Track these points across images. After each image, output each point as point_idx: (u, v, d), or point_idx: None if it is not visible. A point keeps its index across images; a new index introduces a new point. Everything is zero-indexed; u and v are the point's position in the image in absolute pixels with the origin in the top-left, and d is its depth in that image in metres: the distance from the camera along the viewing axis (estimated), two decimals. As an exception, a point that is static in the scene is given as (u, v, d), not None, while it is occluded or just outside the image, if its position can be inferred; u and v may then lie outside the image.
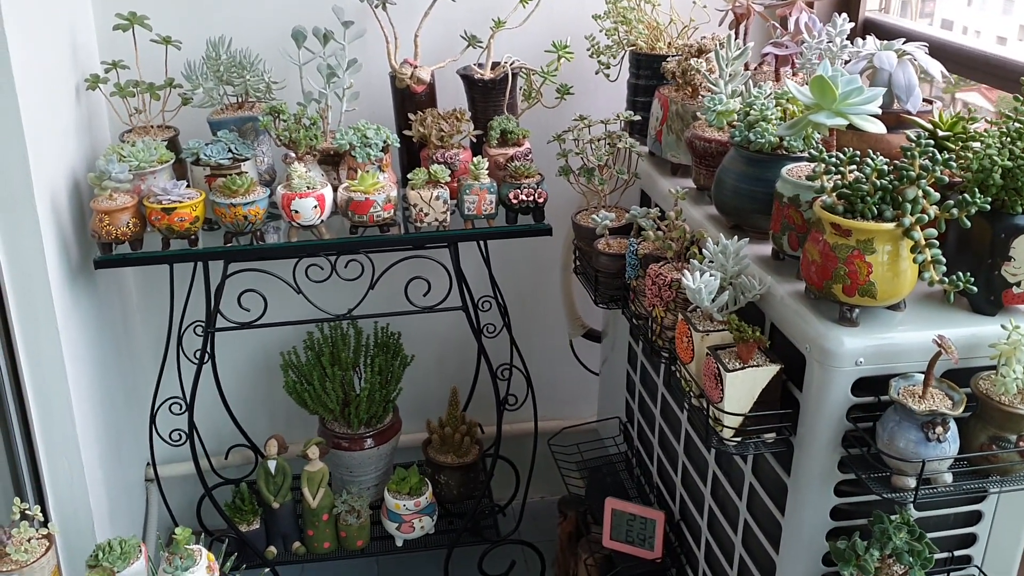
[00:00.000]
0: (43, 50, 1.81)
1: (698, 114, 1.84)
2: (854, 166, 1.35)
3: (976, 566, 1.51)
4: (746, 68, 2.02)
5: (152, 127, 2.07)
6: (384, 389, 2.24)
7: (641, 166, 2.04)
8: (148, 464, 2.43)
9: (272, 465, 2.16)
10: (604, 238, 1.92)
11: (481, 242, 2.10)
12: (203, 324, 2.02)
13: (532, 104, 2.15)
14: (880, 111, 1.48)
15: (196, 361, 2.02)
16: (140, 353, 2.39)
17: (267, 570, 2.00)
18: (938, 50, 1.76)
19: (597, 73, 2.17)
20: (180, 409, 2.08)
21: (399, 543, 2.23)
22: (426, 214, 1.92)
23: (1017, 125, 1.35)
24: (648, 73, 2.09)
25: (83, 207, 1.98)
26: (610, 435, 2.35)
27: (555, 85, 2.11)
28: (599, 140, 1.97)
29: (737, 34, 2.06)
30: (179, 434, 2.10)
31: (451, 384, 2.42)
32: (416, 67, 2.07)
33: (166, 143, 1.98)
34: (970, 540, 1.50)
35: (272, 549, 2.19)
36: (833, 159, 1.35)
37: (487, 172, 1.94)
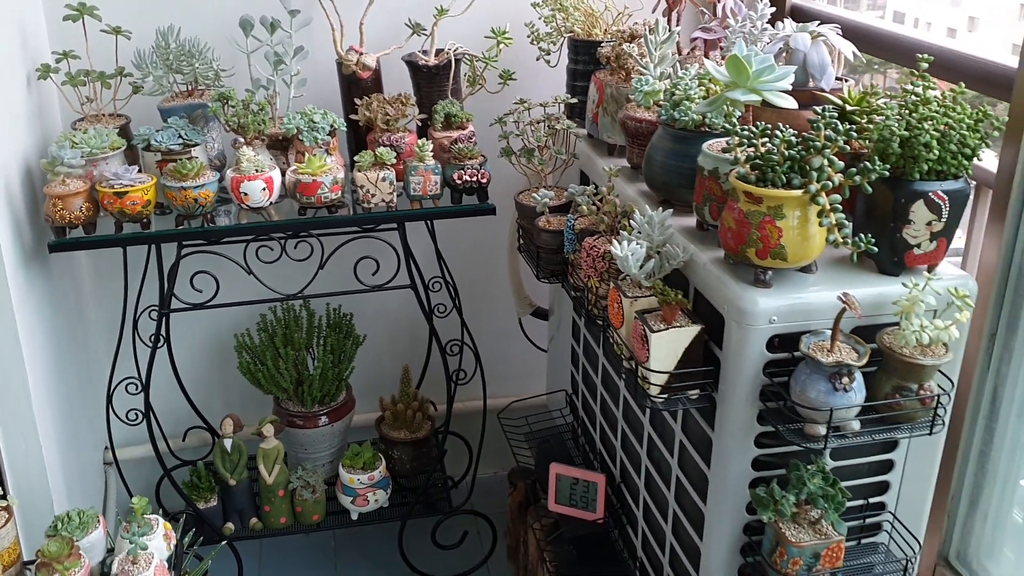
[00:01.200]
0: (-7, 39, 1.85)
1: (630, 96, 1.93)
2: (766, 139, 1.44)
3: (890, 512, 1.62)
4: (679, 53, 2.12)
5: (104, 115, 2.11)
6: (336, 368, 2.31)
7: (580, 147, 2.13)
8: (106, 448, 2.48)
9: (228, 444, 2.22)
10: (545, 216, 2.01)
11: (428, 222, 2.18)
12: (157, 308, 2.08)
13: (476, 90, 2.23)
14: (791, 88, 1.58)
15: (151, 344, 2.08)
16: (95, 338, 2.43)
17: (224, 543, 2.06)
18: (852, 32, 1.87)
19: (538, 59, 2.25)
20: (136, 389, 2.13)
21: (354, 516, 2.30)
22: (373, 195, 1.99)
23: (914, 98, 1.46)
24: (586, 59, 2.18)
25: (36, 194, 2.02)
26: (557, 407, 2.44)
27: (498, 71, 2.19)
28: (538, 122, 2.06)
29: (670, 21, 2.16)
30: (136, 413, 2.14)
31: (403, 363, 2.49)
32: (362, 54, 2.13)
33: (118, 131, 2.03)
34: (884, 487, 1.61)
35: (229, 525, 2.25)
36: (746, 132, 1.45)
37: (432, 154, 2.02)
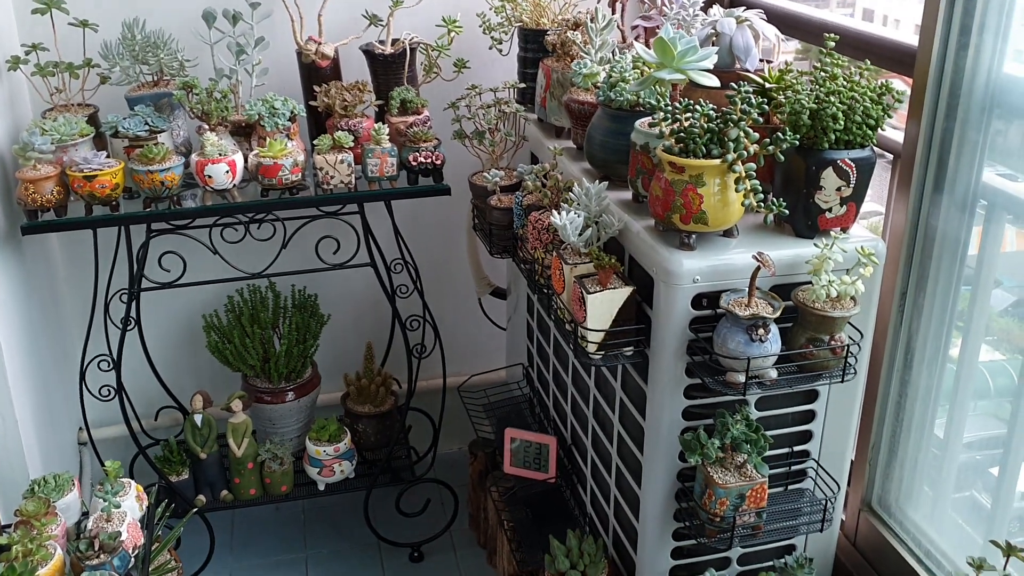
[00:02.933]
0: (-36, 31, 1.94)
1: (574, 80, 2.05)
2: (688, 113, 1.57)
3: (814, 459, 1.76)
4: (623, 41, 2.24)
5: (72, 105, 2.20)
6: (302, 345, 2.41)
7: (530, 131, 2.25)
8: (81, 428, 2.57)
9: (198, 419, 2.32)
10: (496, 195, 2.13)
11: (387, 203, 2.28)
12: (128, 291, 2.17)
13: (432, 78, 2.34)
14: (719, 69, 1.71)
15: (122, 326, 2.17)
16: (68, 322, 2.52)
17: (195, 511, 2.15)
18: (775, 16, 2.00)
19: (491, 48, 2.37)
20: (108, 367, 2.22)
21: (321, 487, 2.40)
22: (332, 177, 2.10)
23: (822, 74, 1.59)
24: (535, 47, 2.30)
25: (8, 180, 2.11)
26: (515, 381, 2.56)
27: (452, 59, 2.31)
28: (489, 107, 2.17)
29: (614, 10, 2.28)
30: (108, 390, 2.23)
31: (366, 342, 2.60)
32: (320, 44, 2.24)
33: (86, 119, 2.12)
34: (807, 437, 1.74)
35: (201, 497, 2.34)
36: (670, 108, 1.57)
37: (388, 137, 2.12)
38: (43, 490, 1.72)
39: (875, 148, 1.59)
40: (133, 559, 1.66)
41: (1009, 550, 1.29)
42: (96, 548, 1.59)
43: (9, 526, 1.68)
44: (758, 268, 1.50)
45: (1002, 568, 1.29)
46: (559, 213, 1.70)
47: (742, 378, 1.51)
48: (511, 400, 2.50)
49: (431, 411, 2.64)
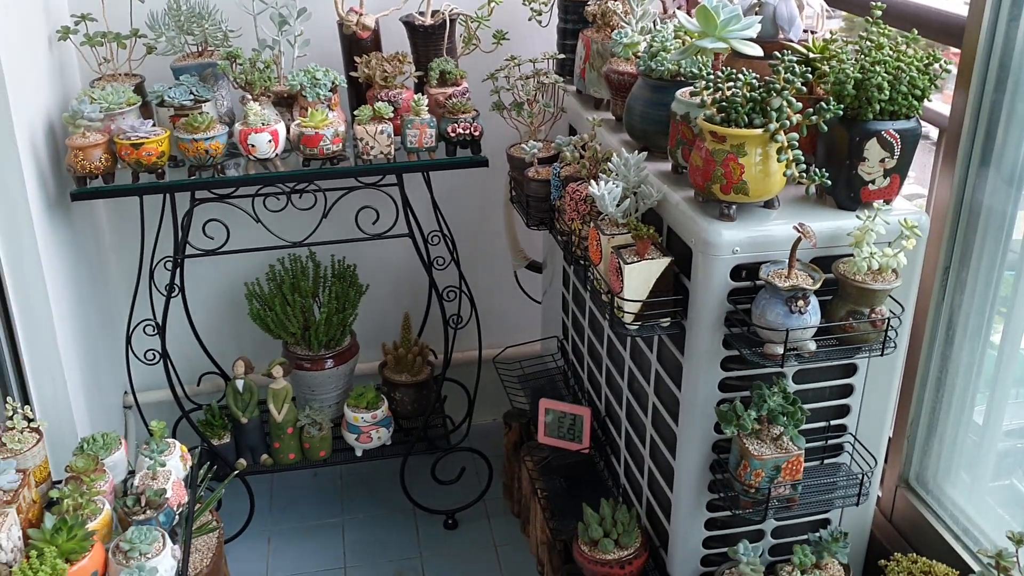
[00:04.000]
0: (17, 4, 1.98)
1: (614, 51, 2.04)
2: (731, 83, 1.56)
3: (851, 434, 1.75)
4: (664, 11, 2.22)
5: (119, 75, 2.24)
6: (341, 314, 2.44)
7: (568, 102, 2.25)
8: (125, 392, 2.63)
9: (240, 384, 2.36)
10: (534, 166, 2.13)
11: (425, 174, 2.30)
12: (172, 258, 2.22)
13: (471, 50, 2.35)
14: (762, 39, 1.69)
15: (166, 293, 2.21)
16: (113, 289, 2.58)
17: (236, 473, 2.20)
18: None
19: (530, 20, 2.36)
20: (153, 331, 2.27)
21: (358, 453, 2.44)
22: (372, 147, 2.11)
23: (868, 44, 1.57)
24: (575, 18, 2.29)
25: (57, 148, 2.15)
26: (549, 353, 2.57)
27: (491, 31, 2.31)
28: (528, 78, 2.17)
29: (657, -19, 2.26)
30: (153, 353, 2.29)
31: (404, 312, 2.63)
32: (361, 15, 2.25)
33: (133, 89, 2.16)
34: (845, 411, 1.73)
35: (242, 461, 2.40)
36: (712, 77, 1.56)
37: (427, 109, 2.14)
38: (92, 448, 1.77)
39: (920, 119, 1.57)
40: (177, 516, 1.71)
41: (1049, 525, 1.28)
42: (143, 504, 1.63)
43: (60, 482, 1.73)
44: (799, 239, 1.49)
45: (1041, 543, 1.28)
46: (597, 183, 1.70)
47: (780, 350, 1.51)
48: (546, 372, 2.52)
49: (466, 382, 2.66)
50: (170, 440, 1.83)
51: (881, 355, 1.56)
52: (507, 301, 2.81)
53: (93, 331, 2.38)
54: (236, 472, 2.20)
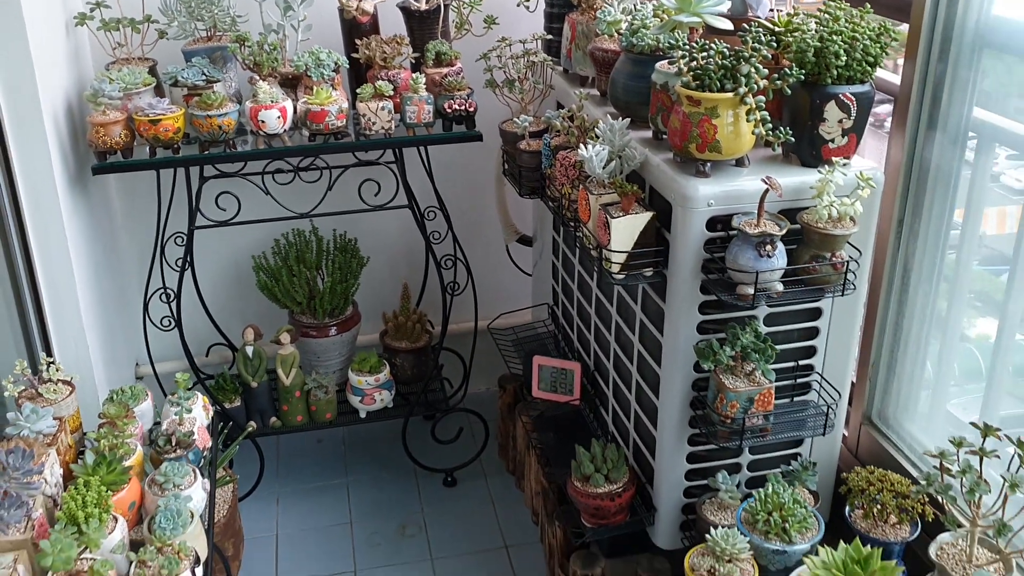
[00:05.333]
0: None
1: (598, 31, 2.21)
2: (704, 52, 1.73)
3: (818, 372, 1.92)
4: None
5: (133, 59, 2.39)
6: (344, 284, 2.59)
7: (556, 81, 2.41)
8: (138, 364, 2.77)
9: (249, 351, 2.51)
10: (525, 139, 2.29)
11: (423, 149, 2.46)
12: (184, 234, 2.36)
13: (463, 34, 2.51)
14: (733, 16, 1.87)
15: (178, 267, 2.36)
16: (125, 265, 2.72)
17: (250, 427, 2.35)
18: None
19: (519, 5, 2.52)
20: (169, 299, 2.41)
21: (362, 415, 2.59)
22: (374, 123, 2.27)
23: (826, 16, 1.75)
24: (561, 2, 2.45)
25: (75, 127, 2.29)
26: (540, 320, 2.73)
27: (483, 15, 2.47)
28: (518, 57, 2.34)
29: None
30: (168, 320, 2.43)
31: (403, 282, 2.78)
32: (361, 1, 2.41)
33: (147, 71, 2.30)
34: (811, 352, 1.91)
35: (252, 424, 2.54)
36: (688, 47, 1.73)
37: (425, 87, 2.29)
38: (121, 398, 1.91)
39: (873, 84, 1.74)
40: (203, 460, 1.86)
41: (987, 430, 1.45)
42: (173, 444, 1.78)
43: (85, 434, 1.88)
44: (767, 191, 1.66)
45: (980, 444, 1.45)
46: (586, 147, 1.86)
47: (751, 290, 1.68)
48: (537, 336, 2.68)
49: (463, 352, 2.82)
50: (193, 392, 1.98)
51: (842, 295, 1.73)
52: (499, 273, 2.96)
53: (109, 304, 2.51)
54: (248, 430, 2.35)
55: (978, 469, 1.48)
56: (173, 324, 2.42)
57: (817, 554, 1.50)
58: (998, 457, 1.47)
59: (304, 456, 2.85)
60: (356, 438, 2.90)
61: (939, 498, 1.54)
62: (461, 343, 2.82)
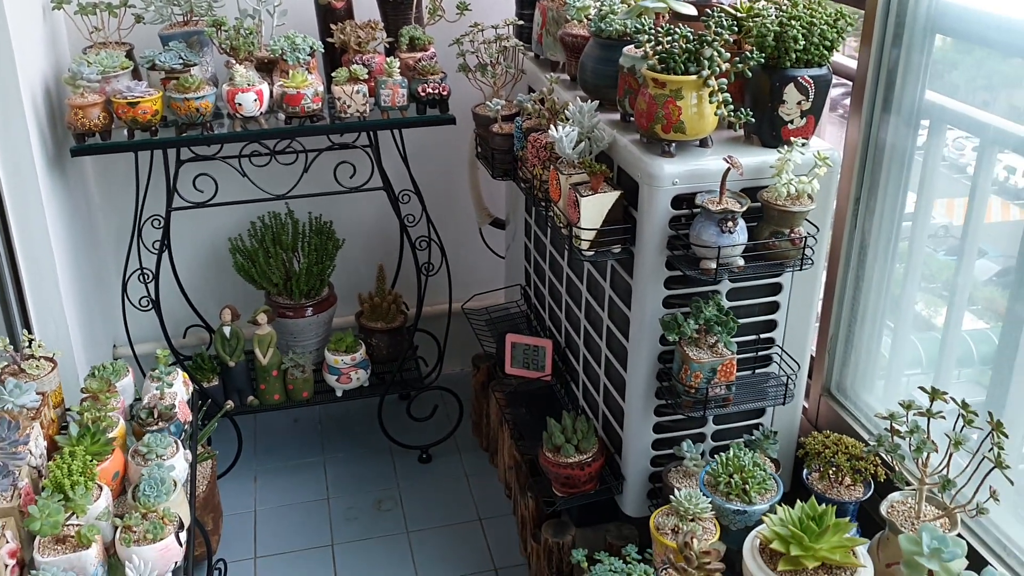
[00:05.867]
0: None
1: (568, 16, 2.27)
2: (669, 36, 1.80)
3: (778, 345, 2.01)
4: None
5: (110, 43, 2.42)
6: (319, 265, 2.64)
7: (527, 66, 2.47)
8: (115, 345, 2.80)
9: (227, 331, 2.55)
10: (498, 122, 2.35)
11: (398, 132, 2.51)
12: (161, 217, 2.40)
13: (436, 20, 2.56)
14: (697, 3, 1.94)
15: (156, 249, 2.39)
16: (102, 247, 2.74)
17: (227, 405, 2.39)
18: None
19: (490, -8, 2.58)
20: (147, 279, 2.45)
21: (339, 393, 2.65)
22: (349, 106, 2.32)
23: (786, 3, 1.82)
24: (531, -11, 2.51)
25: (53, 110, 2.32)
26: (513, 300, 2.80)
27: (455, 1, 2.52)
28: (491, 42, 2.39)
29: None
30: (147, 301, 2.47)
31: (378, 264, 2.83)
32: (336, -14, 2.45)
33: (124, 55, 2.33)
34: (772, 325, 1.99)
35: (230, 402, 2.58)
36: (654, 31, 1.80)
37: (399, 71, 2.35)
38: (103, 373, 1.95)
39: (830, 67, 1.82)
40: (184, 433, 1.90)
41: (934, 393, 1.54)
42: (155, 416, 1.83)
43: (68, 410, 1.91)
44: (728, 169, 1.74)
45: (928, 406, 1.54)
46: (556, 129, 1.93)
47: (714, 265, 1.75)
48: (510, 316, 2.75)
49: (437, 333, 2.88)
50: (173, 368, 2.02)
51: (800, 270, 1.81)
52: (473, 256, 3.02)
53: (87, 285, 2.55)
54: (225, 409, 2.39)
55: (925, 430, 1.57)
56: (151, 304, 2.46)
57: (776, 513, 1.58)
58: (943, 418, 1.56)
59: (282, 435, 2.90)
60: (333, 417, 2.96)
61: (889, 458, 1.63)
62: (435, 324, 2.88)
